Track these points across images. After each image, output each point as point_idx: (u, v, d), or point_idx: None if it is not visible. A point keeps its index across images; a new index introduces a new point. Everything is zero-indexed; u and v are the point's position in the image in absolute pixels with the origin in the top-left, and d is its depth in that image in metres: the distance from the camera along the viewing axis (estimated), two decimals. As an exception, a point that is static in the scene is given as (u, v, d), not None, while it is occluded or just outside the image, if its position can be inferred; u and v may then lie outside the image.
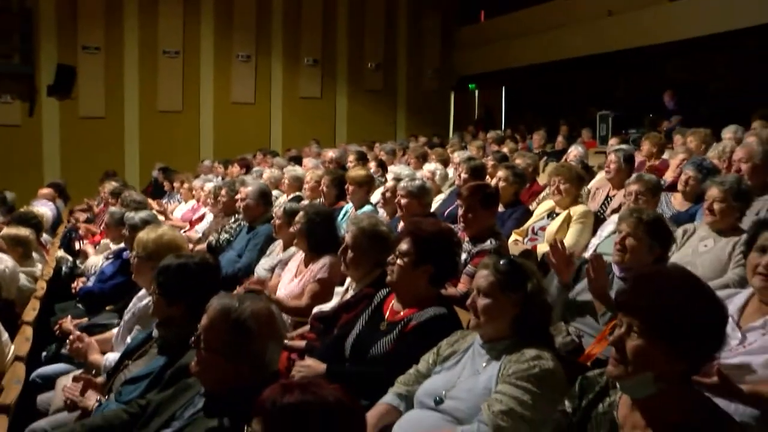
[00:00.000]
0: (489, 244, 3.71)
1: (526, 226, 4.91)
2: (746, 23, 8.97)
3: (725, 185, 3.56)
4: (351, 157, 7.98)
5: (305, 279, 3.88)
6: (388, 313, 2.83)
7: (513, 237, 4.81)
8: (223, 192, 6.17)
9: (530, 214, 5.09)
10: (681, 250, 3.58)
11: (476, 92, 16.51)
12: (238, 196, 5.60)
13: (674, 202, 4.71)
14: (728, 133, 6.79)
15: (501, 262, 2.35)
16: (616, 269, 3.08)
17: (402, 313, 2.76)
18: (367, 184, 5.65)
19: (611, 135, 9.52)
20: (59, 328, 4.06)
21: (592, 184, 5.96)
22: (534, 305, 2.30)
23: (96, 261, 5.66)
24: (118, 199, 6.91)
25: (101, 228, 6.94)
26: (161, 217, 5.91)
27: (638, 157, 6.47)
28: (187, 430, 2.08)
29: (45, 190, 9.31)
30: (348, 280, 3.58)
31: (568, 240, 4.37)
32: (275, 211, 4.85)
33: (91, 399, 2.79)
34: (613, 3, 11.34)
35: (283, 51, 14.63)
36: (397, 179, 5.26)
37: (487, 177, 5.93)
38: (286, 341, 2.98)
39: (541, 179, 6.50)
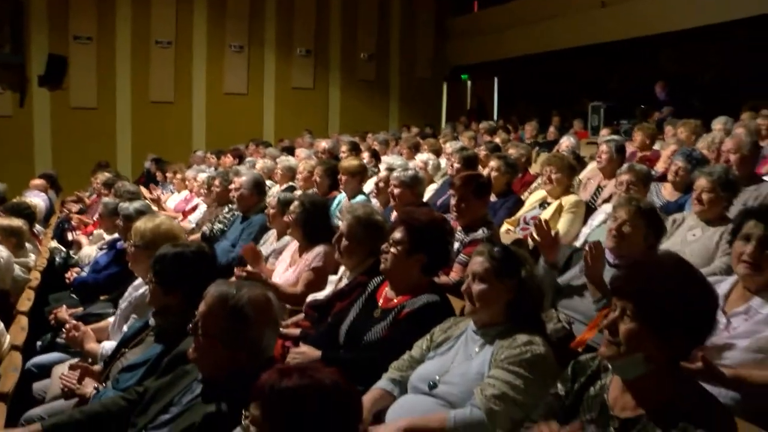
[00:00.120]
0: (481, 233, 3.75)
1: (517, 215, 4.95)
2: (738, 15, 9.02)
3: (713, 175, 3.61)
4: (344, 148, 8.01)
5: (300, 268, 3.91)
6: (381, 300, 2.87)
7: (505, 226, 4.85)
8: (216, 182, 6.19)
9: (522, 203, 5.14)
10: (670, 240, 3.63)
11: (469, 83, 16.52)
12: (231, 186, 5.62)
13: (664, 192, 4.76)
14: (718, 124, 6.86)
15: (495, 249, 2.40)
16: (609, 256, 3.12)
17: (395, 301, 2.80)
18: (360, 174, 5.68)
19: (603, 126, 9.57)
20: (54, 317, 4.08)
21: (584, 175, 6.02)
22: (527, 291, 2.35)
23: (90, 251, 5.67)
24: (111, 189, 6.91)
25: (94, 219, 6.94)
26: (155, 207, 5.92)
27: (630, 148, 6.53)
28: (185, 415, 2.11)
29: (37, 181, 9.29)
30: (342, 268, 3.62)
31: (560, 229, 4.41)
32: (269, 201, 4.88)
33: (89, 386, 2.82)
34: (606, -7, 11.36)
35: (276, 41, 14.60)
36: (390, 169, 5.30)
37: (479, 167, 5.96)
38: (281, 329, 3.02)
39: (533, 169, 6.55)
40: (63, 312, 4.04)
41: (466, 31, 15.18)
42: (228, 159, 9.79)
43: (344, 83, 15.22)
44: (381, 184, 5.26)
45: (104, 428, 2.35)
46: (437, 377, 2.32)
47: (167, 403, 2.23)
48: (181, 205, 7.98)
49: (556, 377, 1.96)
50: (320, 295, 3.60)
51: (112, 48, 13.45)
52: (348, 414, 1.62)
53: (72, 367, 3.00)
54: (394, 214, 4.53)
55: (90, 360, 3.27)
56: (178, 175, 8.95)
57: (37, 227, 6.62)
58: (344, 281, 3.48)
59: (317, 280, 3.79)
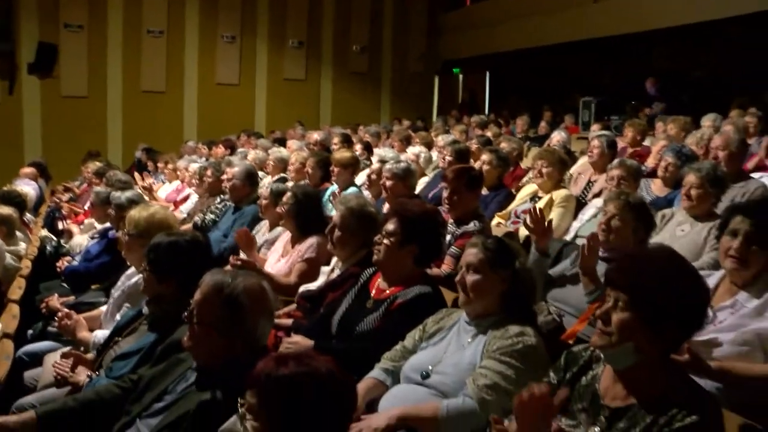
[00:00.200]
0: (473, 225, 3.78)
1: (508, 209, 4.99)
2: (730, 13, 9.08)
3: (702, 172, 3.65)
4: (335, 140, 8.01)
5: (292, 259, 3.93)
6: (374, 291, 2.90)
7: (496, 220, 4.89)
8: (208, 172, 6.18)
9: (513, 197, 5.17)
10: (659, 235, 3.67)
11: (460, 76, 16.54)
12: (224, 177, 5.62)
13: (654, 188, 4.81)
14: (707, 121, 6.92)
15: (489, 241, 2.43)
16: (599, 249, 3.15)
17: (388, 292, 2.82)
18: (352, 166, 5.69)
19: (594, 121, 9.61)
20: (46, 306, 4.08)
21: (574, 169, 6.05)
22: (520, 282, 2.38)
23: (81, 240, 5.66)
24: (102, 178, 6.89)
25: (85, 208, 6.92)
26: (146, 196, 5.91)
27: (620, 144, 6.57)
28: (180, 403, 2.12)
29: (27, 170, 9.24)
30: (334, 259, 3.64)
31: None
32: (261, 192, 4.88)
33: (82, 375, 2.82)
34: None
35: (269, 32, 14.56)
36: (383, 162, 5.32)
37: (471, 160, 5.99)
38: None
39: (524, 164, 6.59)
40: (54, 300, 4.04)
41: (459, 26, 15.20)
42: (220, 149, 9.76)
43: (336, 75, 15.20)
44: (373, 176, 5.28)
45: (98, 415, 2.35)
46: (430, 367, 2.34)
47: (162, 391, 2.24)
48: (173, 195, 7.96)
49: (547, 368, 1.99)
50: (312, 285, 3.62)
51: (104, 36, 13.36)
52: (343, 402, 1.64)
53: (64, 356, 3.01)
54: (386, 206, 4.55)
55: (82, 348, 3.27)
56: (170, 165, 8.92)
57: (28, 216, 6.60)
58: (336, 272, 3.49)
59: (310, 271, 3.81)
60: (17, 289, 4.04)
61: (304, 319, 3.32)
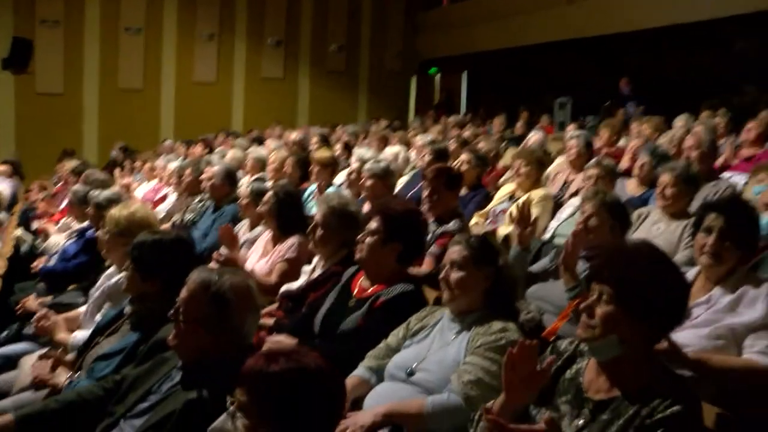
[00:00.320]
0: (453, 225, 3.81)
1: (487, 209, 5.03)
2: (702, 17, 9.26)
3: (676, 171, 3.74)
4: (314, 140, 8.01)
5: (273, 258, 3.93)
6: (356, 290, 2.91)
7: (474, 219, 4.93)
8: (187, 172, 6.14)
9: (491, 197, 5.22)
10: (635, 233, 3.74)
11: (437, 76, 16.60)
12: (203, 176, 5.60)
13: (628, 188, 4.90)
14: (680, 121, 7.04)
15: (473, 238, 2.47)
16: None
17: (370, 290, 2.84)
18: (332, 166, 5.71)
19: (569, 121, 9.72)
20: (22, 307, 4.03)
21: (552, 169, 6.12)
22: (503, 279, 2.43)
23: (57, 240, 5.59)
24: (79, 177, 6.81)
25: (61, 207, 6.84)
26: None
27: (596, 143, 6.66)
28: (165, 403, 2.11)
29: (0, 167, 9.09)
30: (315, 258, 3.65)
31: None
32: (241, 191, 4.88)
33: (62, 376, 2.80)
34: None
35: (247, 31, 14.46)
36: (362, 161, 5.34)
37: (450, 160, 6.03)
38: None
39: (501, 163, 6.64)
40: (32, 301, 4.00)
41: (437, 25, 15.25)
42: (198, 149, 9.70)
43: (314, 74, 15.16)
44: (353, 176, 5.30)
45: (80, 417, 2.32)
46: (414, 365, 2.37)
47: (146, 391, 2.23)
48: (150, 194, 7.90)
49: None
50: (294, 285, 3.63)
51: (80, 33, 13.15)
52: (334, 397, 1.66)
53: (43, 357, 2.98)
54: (365, 206, 4.57)
55: (60, 350, 3.24)
56: (147, 164, 8.85)
57: (2, 215, 6.50)
58: (318, 271, 3.51)
59: (291, 270, 3.81)
60: (-7, 290, 3.99)
61: (286, 318, 3.33)
